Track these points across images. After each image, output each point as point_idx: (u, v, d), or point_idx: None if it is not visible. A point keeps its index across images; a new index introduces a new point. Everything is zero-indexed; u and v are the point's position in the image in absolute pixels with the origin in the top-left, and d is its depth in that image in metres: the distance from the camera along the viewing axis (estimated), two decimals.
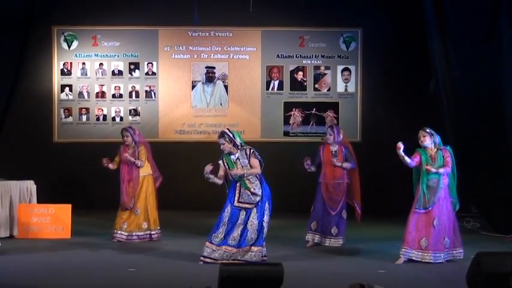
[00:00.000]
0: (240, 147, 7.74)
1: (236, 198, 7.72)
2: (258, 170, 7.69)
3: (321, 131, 11.81)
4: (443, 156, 8.02)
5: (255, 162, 7.69)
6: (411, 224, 7.95)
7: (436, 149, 8.05)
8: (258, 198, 7.70)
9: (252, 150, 7.73)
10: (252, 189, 7.69)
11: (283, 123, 12.70)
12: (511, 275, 5.93)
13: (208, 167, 7.57)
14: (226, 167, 7.73)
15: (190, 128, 12.68)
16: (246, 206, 7.71)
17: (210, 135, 12.22)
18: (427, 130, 8.06)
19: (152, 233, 9.28)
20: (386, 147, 11.01)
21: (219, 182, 7.75)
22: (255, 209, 7.69)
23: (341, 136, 9.10)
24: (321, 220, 8.98)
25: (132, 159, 9.13)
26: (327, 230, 8.97)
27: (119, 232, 9.18)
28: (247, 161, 7.71)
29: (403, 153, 7.84)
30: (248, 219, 7.67)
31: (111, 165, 9.24)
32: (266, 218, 7.73)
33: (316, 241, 8.99)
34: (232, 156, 7.76)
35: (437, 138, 8.07)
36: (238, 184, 7.74)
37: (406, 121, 12.06)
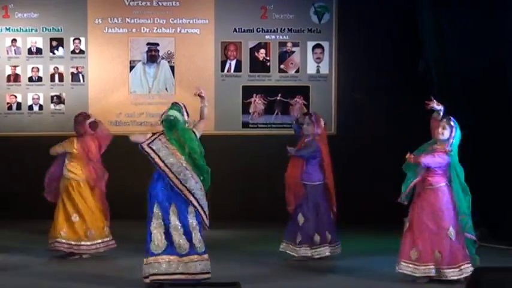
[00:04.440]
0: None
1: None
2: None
3: (288, 122, 11.09)
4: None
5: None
6: None
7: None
8: None
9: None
10: None
11: (241, 112, 12.03)
12: None
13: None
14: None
15: (129, 118, 11.91)
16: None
17: (152, 127, 11.25)
18: (452, 123, 7.47)
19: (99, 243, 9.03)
20: (366, 141, 11.57)
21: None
22: (174, 207, 7.30)
23: (320, 129, 8.66)
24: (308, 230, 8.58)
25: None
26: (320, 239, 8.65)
27: (58, 240, 8.85)
28: None
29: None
30: (169, 221, 7.28)
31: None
32: (193, 221, 7.36)
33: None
34: None
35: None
36: None
37: (390, 109, 11.72)
